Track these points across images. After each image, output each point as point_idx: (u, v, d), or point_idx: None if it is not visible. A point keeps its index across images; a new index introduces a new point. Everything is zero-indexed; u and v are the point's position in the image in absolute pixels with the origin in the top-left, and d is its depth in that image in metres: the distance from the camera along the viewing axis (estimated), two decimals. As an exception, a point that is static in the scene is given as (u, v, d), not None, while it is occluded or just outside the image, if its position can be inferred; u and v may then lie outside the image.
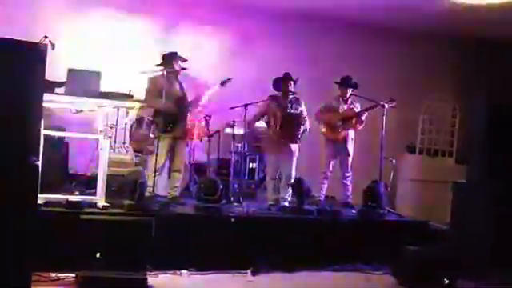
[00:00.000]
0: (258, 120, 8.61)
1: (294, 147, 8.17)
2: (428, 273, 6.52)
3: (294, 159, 8.19)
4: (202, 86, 8.17)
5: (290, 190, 8.14)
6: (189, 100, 7.84)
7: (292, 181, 8.10)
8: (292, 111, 8.15)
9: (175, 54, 7.77)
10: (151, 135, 7.80)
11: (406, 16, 10.39)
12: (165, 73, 7.45)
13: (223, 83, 7.87)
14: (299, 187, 7.90)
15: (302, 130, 8.11)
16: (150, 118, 7.78)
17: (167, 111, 7.50)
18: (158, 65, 7.70)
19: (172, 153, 7.80)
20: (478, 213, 6.86)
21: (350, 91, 8.78)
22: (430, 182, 10.13)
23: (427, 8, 9.80)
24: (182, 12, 10.13)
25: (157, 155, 7.48)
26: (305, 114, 8.26)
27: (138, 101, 7.58)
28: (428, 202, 9.76)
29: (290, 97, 8.22)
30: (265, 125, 8.96)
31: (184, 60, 7.82)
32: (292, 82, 8.20)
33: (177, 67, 7.72)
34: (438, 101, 10.87)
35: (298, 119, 8.08)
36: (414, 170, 10.61)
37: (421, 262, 6.65)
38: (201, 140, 9.10)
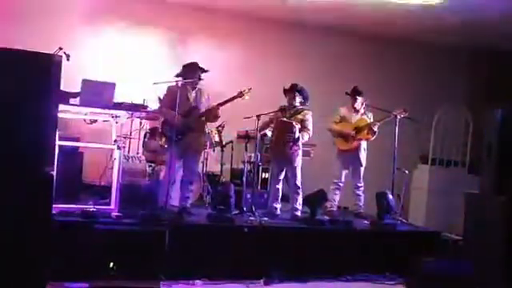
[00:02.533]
0: (263, 129, 8.60)
1: (293, 156, 8.10)
2: (441, 284, 6.50)
3: (297, 169, 8.17)
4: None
5: (299, 199, 8.18)
6: (202, 111, 7.70)
7: (299, 190, 8.17)
8: (285, 119, 8.08)
9: (195, 64, 7.73)
10: (164, 145, 7.83)
11: (419, 28, 10.43)
12: (179, 83, 7.43)
13: (239, 95, 7.68)
14: (317, 198, 7.92)
15: (291, 138, 7.94)
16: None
17: (174, 122, 7.42)
18: (176, 75, 7.69)
19: (184, 164, 7.78)
20: (491, 224, 6.82)
21: (361, 101, 8.79)
22: (443, 192, 10.11)
23: (440, 20, 9.84)
24: (194, 23, 10.20)
25: (168, 165, 7.49)
26: (307, 124, 8.13)
27: (152, 111, 7.61)
28: (441, 212, 9.73)
29: (298, 107, 8.25)
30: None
31: (204, 71, 7.71)
32: (297, 93, 8.22)
33: (194, 77, 7.61)
34: (451, 111, 10.84)
35: (289, 127, 7.94)
36: (427, 181, 10.58)
37: (434, 273, 6.63)
38: (214, 150, 9.14)
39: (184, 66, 7.69)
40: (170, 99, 7.46)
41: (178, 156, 7.58)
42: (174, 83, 7.43)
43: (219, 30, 10.40)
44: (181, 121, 7.44)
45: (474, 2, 8.98)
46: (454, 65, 11.65)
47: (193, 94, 7.68)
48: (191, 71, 7.62)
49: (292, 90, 8.22)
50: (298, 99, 8.21)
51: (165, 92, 7.62)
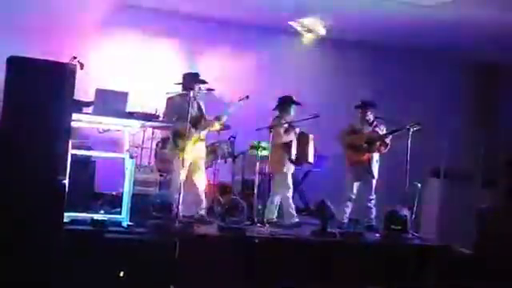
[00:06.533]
0: None
1: None
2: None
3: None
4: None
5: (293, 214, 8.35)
6: (206, 121, 7.88)
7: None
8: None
9: (196, 75, 7.84)
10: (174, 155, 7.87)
11: (430, 41, 10.43)
12: (191, 94, 7.51)
13: (240, 100, 7.84)
14: (323, 210, 7.90)
15: None
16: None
17: (184, 132, 7.50)
18: (177, 83, 7.79)
19: (193, 173, 7.85)
20: (503, 238, 6.80)
21: (371, 114, 8.79)
22: (454, 206, 10.03)
23: (452, 34, 9.84)
24: (207, 33, 10.24)
25: (178, 175, 7.52)
26: None
27: (164, 121, 7.63)
28: (453, 226, 9.66)
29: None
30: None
31: (204, 82, 7.85)
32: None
33: (196, 88, 7.75)
34: (462, 125, 10.81)
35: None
36: (438, 194, 10.52)
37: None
38: (225, 161, 9.14)
39: (184, 76, 7.83)
40: (172, 110, 7.59)
41: (188, 165, 7.69)
42: (175, 94, 7.56)
43: (232, 41, 10.42)
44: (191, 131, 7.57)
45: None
46: (467, 77, 11.61)
47: (195, 105, 7.79)
48: (190, 81, 7.75)
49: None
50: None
51: (167, 103, 7.73)
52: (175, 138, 7.58)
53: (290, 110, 8.36)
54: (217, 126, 8.00)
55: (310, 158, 8.52)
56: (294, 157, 8.38)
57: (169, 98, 7.67)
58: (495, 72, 11.46)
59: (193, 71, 7.96)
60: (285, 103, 8.39)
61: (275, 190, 8.47)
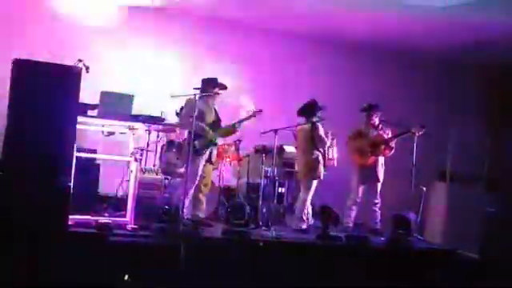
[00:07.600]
0: None
1: None
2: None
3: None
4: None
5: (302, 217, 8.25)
6: (222, 126, 7.89)
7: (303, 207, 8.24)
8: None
9: (215, 80, 7.83)
10: (181, 158, 7.85)
11: (432, 43, 10.42)
12: (197, 97, 7.51)
13: (254, 114, 7.89)
14: (326, 214, 7.89)
15: None
16: (180, 141, 7.92)
17: (204, 134, 7.55)
18: (196, 88, 7.75)
19: (202, 176, 7.84)
20: (509, 241, 6.77)
21: (377, 117, 8.78)
22: (460, 209, 10.01)
23: (453, 35, 9.83)
24: (213, 40, 10.25)
25: (187, 178, 7.50)
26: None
27: (169, 124, 7.62)
28: (459, 229, 9.63)
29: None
30: (294, 150, 8.96)
31: (224, 88, 7.85)
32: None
33: (215, 92, 7.75)
34: (467, 127, 10.76)
35: None
36: (444, 197, 10.49)
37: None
38: (230, 163, 9.13)
39: (203, 81, 7.78)
40: (190, 111, 7.48)
41: (201, 168, 7.71)
42: (195, 96, 7.53)
43: (237, 45, 10.42)
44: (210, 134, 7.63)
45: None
46: (470, 79, 11.59)
47: (212, 109, 7.79)
48: (210, 86, 7.72)
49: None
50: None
51: (187, 105, 7.64)
52: (193, 141, 7.54)
53: (317, 115, 8.29)
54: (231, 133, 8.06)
55: (335, 163, 8.51)
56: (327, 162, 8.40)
57: (188, 100, 7.60)
58: (498, 73, 11.42)
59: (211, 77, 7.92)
60: (312, 108, 8.31)
61: (305, 194, 8.39)
